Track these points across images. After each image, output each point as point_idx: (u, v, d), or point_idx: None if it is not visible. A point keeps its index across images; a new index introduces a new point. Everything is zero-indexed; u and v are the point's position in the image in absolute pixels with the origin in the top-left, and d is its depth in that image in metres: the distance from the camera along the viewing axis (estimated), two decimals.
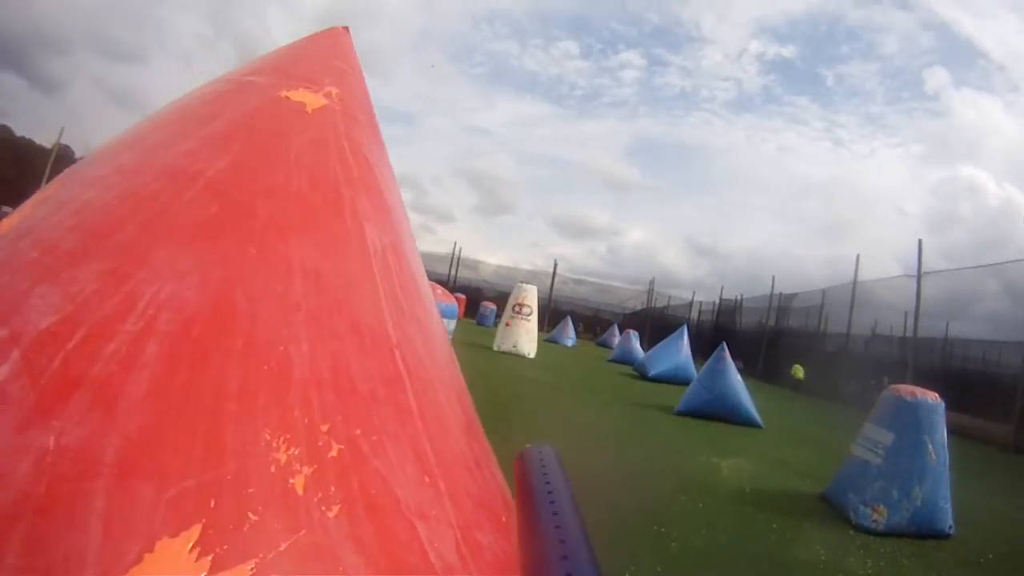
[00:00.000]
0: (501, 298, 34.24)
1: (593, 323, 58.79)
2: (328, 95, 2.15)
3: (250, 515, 1.20)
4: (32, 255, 1.52)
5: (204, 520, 1.15)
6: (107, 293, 1.41)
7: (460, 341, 22.54)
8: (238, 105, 2.05)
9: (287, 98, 2.07)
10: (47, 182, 2.08)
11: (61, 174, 2.00)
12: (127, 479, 1.16)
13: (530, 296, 25.08)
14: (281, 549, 1.19)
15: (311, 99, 2.10)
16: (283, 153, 1.89)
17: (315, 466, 1.34)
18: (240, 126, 1.95)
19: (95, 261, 1.48)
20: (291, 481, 1.29)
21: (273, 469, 1.28)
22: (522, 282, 26.65)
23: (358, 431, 1.47)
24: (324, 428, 1.41)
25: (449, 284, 49.57)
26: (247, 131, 1.93)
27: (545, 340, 33.84)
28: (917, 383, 8.94)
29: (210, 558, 1.11)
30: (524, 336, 24.23)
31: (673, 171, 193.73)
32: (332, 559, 1.24)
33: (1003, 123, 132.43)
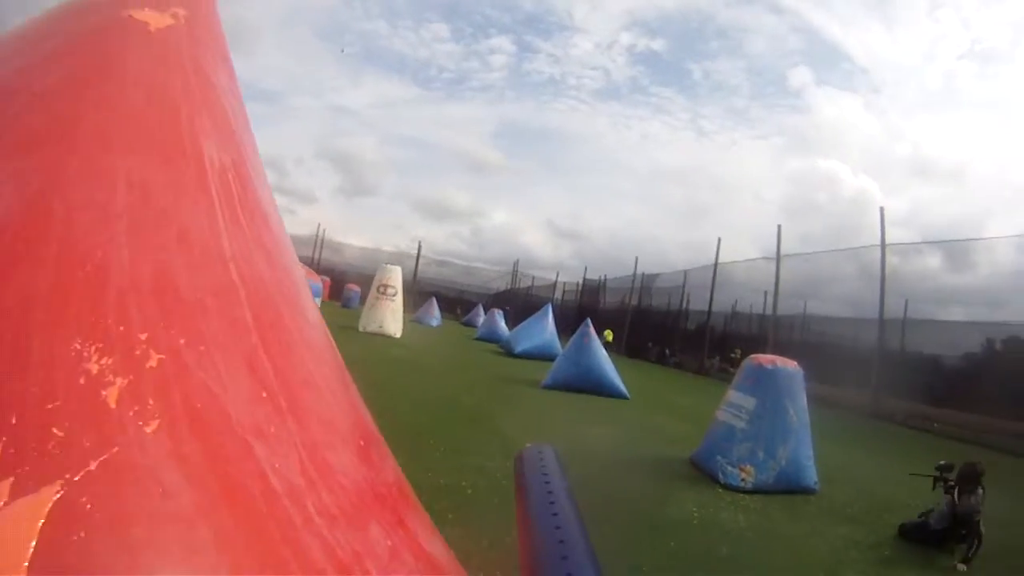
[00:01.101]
0: (366, 280, 34.16)
1: (458, 304, 59.05)
2: (175, 15, 2.02)
3: (55, 431, 1.08)
4: None
5: (3, 439, 1.04)
6: None
7: (325, 322, 22.35)
8: (78, 24, 1.93)
9: (130, 17, 1.94)
10: None
11: None
12: None
13: (394, 277, 25.29)
14: (91, 468, 1.06)
15: (156, 18, 1.97)
16: (119, 69, 1.77)
17: (131, 377, 1.21)
18: (76, 43, 1.84)
19: None
20: (103, 393, 1.16)
21: (83, 380, 1.16)
22: (386, 264, 26.56)
23: (182, 341, 1.35)
24: (143, 337, 1.29)
25: (313, 266, 49.34)
26: (82, 48, 1.83)
27: (411, 321, 34.07)
28: (777, 355, 9.27)
29: (10, 481, 0.99)
30: (389, 316, 24.42)
31: (538, 155, 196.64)
32: (151, 479, 1.12)
33: (862, 120, 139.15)
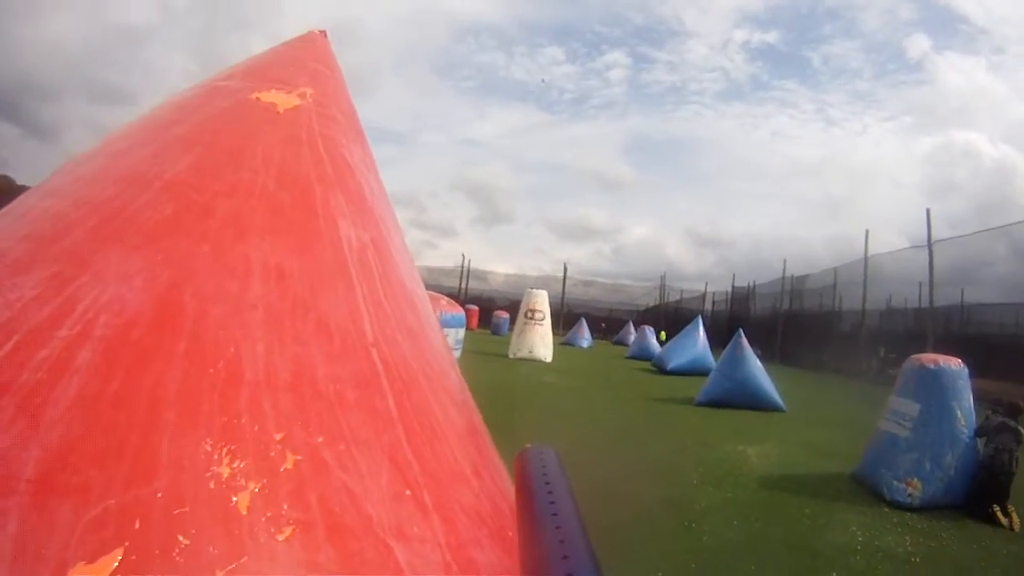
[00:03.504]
0: (513, 307, 34.12)
1: (607, 323, 58.54)
2: (302, 95, 2.05)
3: (181, 539, 1.03)
4: None
5: (127, 544, 1.00)
6: (47, 298, 1.30)
7: (475, 351, 22.59)
8: (205, 109, 1.96)
9: (258, 99, 1.98)
10: None
11: (28, 190, 1.91)
12: (45, 497, 1.02)
13: (541, 301, 25.04)
14: None
15: (283, 99, 2.00)
16: (249, 152, 1.78)
17: (264, 480, 1.16)
18: (204, 129, 1.85)
19: (40, 268, 1.38)
20: (234, 499, 1.11)
21: (213, 485, 1.11)
22: (532, 288, 26.47)
23: (320, 439, 1.28)
24: (278, 437, 1.23)
25: (460, 296, 49.73)
26: (212, 133, 1.84)
27: (561, 343, 33.75)
28: (938, 352, 8.74)
29: None
30: (539, 341, 24.17)
31: (669, 165, 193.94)
32: None
33: (990, 84, 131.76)
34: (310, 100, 2.05)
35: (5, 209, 1.75)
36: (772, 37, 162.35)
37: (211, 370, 1.27)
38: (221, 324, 1.35)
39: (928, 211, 26.27)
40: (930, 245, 26.05)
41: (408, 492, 1.37)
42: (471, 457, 1.70)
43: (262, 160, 1.77)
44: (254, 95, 1.99)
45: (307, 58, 2.31)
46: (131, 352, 1.24)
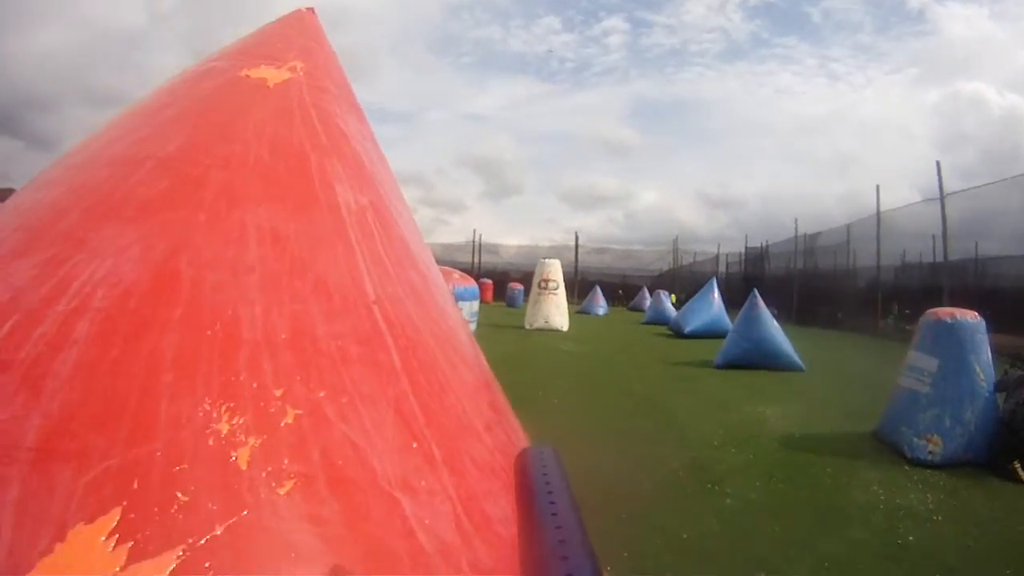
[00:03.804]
0: (527, 278, 34.07)
1: (620, 289, 58.61)
2: (292, 69, 2.09)
3: (179, 495, 1.05)
4: None
5: (124, 503, 1.02)
6: (44, 279, 1.33)
7: (491, 323, 22.72)
8: (195, 90, 2.01)
9: (247, 76, 2.02)
10: None
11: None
12: (45, 462, 1.05)
13: (554, 270, 25.04)
14: (216, 533, 1.03)
15: (273, 74, 2.04)
16: (240, 127, 1.81)
17: (264, 436, 1.18)
18: (194, 108, 1.90)
19: (35, 253, 1.41)
20: (233, 455, 1.13)
21: (212, 442, 1.14)
22: (544, 258, 26.53)
23: (321, 393, 1.30)
24: (278, 393, 1.25)
25: (473, 270, 49.71)
26: (202, 111, 1.88)
27: (577, 312, 33.70)
28: (954, 306, 8.68)
29: (129, 545, 0.97)
30: (554, 310, 24.20)
31: (675, 128, 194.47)
32: (282, 544, 1.08)
33: (993, 31, 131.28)
34: (300, 73, 2.08)
35: (7, 199, 1.79)
36: None
37: (208, 332, 1.29)
38: (218, 288, 1.38)
39: (938, 163, 25.92)
40: (942, 198, 25.79)
41: (415, 444, 1.38)
42: (483, 412, 1.72)
43: (254, 132, 1.79)
44: (243, 72, 2.03)
45: (295, 34, 2.34)
46: (128, 321, 1.27)
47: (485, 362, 2.01)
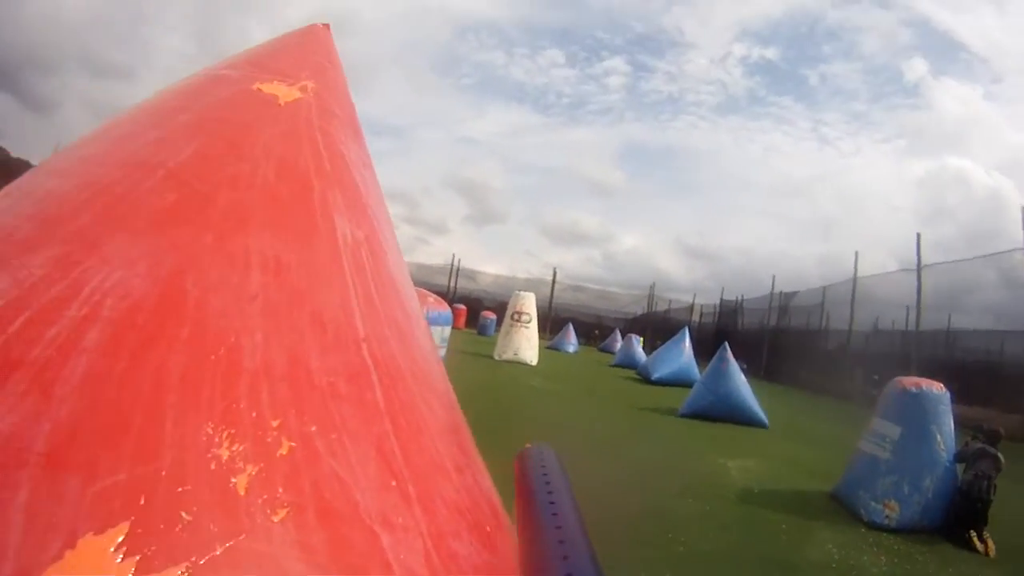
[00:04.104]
0: (501, 308, 34.40)
1: (596, 328, 58.53)
2: (303, 88, 2.10)
3: (183, 515, 1.10)
4: None
5: (133, 518, 1.06)
6: (55, 279, 1.35)
7: (461, 351, 22.69)
8: (208, 97, 2.00)
9: (259, 90, 2.02)
10: None
11: (31, 169, 1.96)
12: (55, 470, 1.08)
13: (528, 303, 25.18)
14: (216, 553, 1.08)
15: (284, 91, 2.04)
16: (250, 143, 1.83)
17: (261, 464, 1.24)
18: (207, 117, 1.91)
19: (47, 248, 1.43)
20: (233, 480, 1.19)
21: (213, 466, 1.18)
22: (520, 291, 26.51)
23: (313, 428, 1.36)
24: (274, 423, 1.31)
25: (448, 295, 50.03)
26: (214, 122, 1.89)
27: (547, 347, 33.98)
28: (922, 376, 8.81)
29: (136, 559, 1.01)
30: (525, 344, 24.32)
31: (663, 175, 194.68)
32: (274, 567, 1.14)
33: (987, 113, 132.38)
34: (311, 94, 2.10)
35: (9, 187, 1.79)
36: (771, 53, 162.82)
37: (212, 357, 1.33)
38: (222, 312, 1.41)
39: (918, 235, 26.66)
40: (919, 269, 26.37)
41: (394, 483, 1.44)
42: (453, 454, 1.77)
43: (262, 151, 1.82)
44: (256, 85, 2.03)
45: (309, 51, 2.35)
46: (136, 335, 1.30)
47: (456, 402, 2.05)
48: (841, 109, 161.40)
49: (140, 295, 1.36)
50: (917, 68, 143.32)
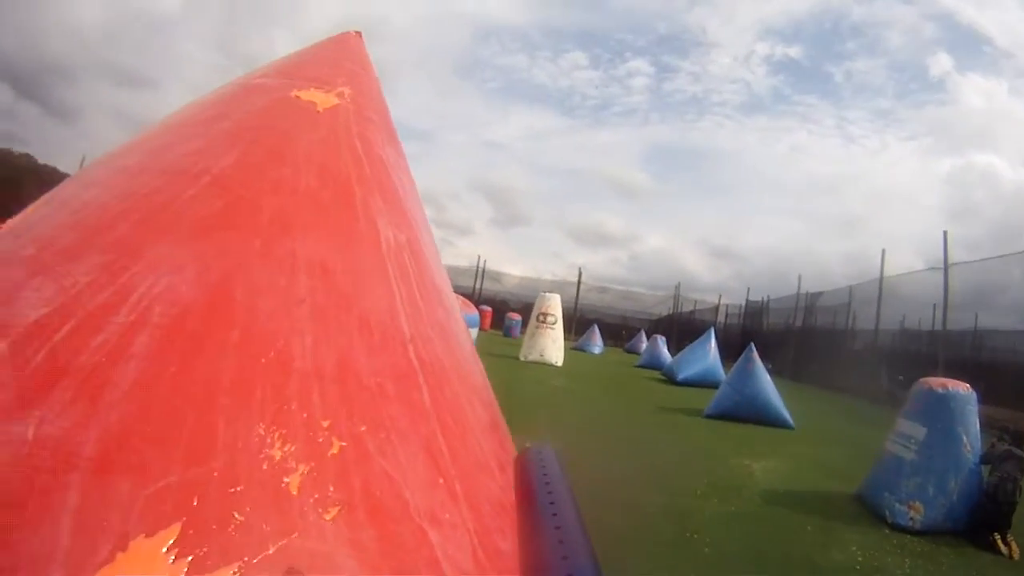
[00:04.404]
0: (526, 309, 34.14)
1: (620, 330, 58.21)
2: (340, 95, 2.15)
3: (236, 515, 1.13)
4: (28, 251, 1.52)
5: (184, 519, 1.09)
6: (101, 286, 1.39)
7: (486, 352, 22.57)
8: (246, 105, 2.06)
9: (297, 98, 2.08)
10: None
11: (68, 178, 2.04)
12: (105, 473, 1.12)
13: (554, 305, 25.02)
14: (269, 552, 1.11)
15: (322, 99, 2.10)
16: (291, 150, 1.88)
17: (312, 464, 1.27)
18: (247, 125, 1.96)
19: (91, 256, 1.47)
20: (285, 480, 1.22)
21: (266, 467, 1.22)
22: (545, 292, 26.43)
23: (363, 428, 1.40)
24: (325, 424, 1.34)
25: (474, 297, 49.76)
26: (255, 130, 1.94)
27: (572, 348, 33.76)
28: (948, 376, 8.76)
29: (188, 559, 1.04)
30: (550, 345, 24.17)
31: (688, 176, 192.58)
32: (327, 565, 1.17)
33: (1013, 107, 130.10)
34: (348, 100, 2.14)
35: (46, 197, 1.85)
36: (795, 51, 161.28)
37: (263, 360, 1.36)
38: (271, 316, 1.45)
39: (945, 233, 26.06)
40: (946, 268, 25.82)
41: (441, 481, 1.48)
42: (495, 451, 1.81)
43: (303, 157, 1.86)
44: (294, 93, 2.08)
45: (343, 58, 2.40)
46: (186, 340, 1.34)
47: (495, 401, 2.10)
48: (866, 107, 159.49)
49: (189, 301, 1.40)
50: (942, 63, 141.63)
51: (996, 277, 26.20)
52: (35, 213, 1.74)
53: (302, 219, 1.70)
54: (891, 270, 31.93)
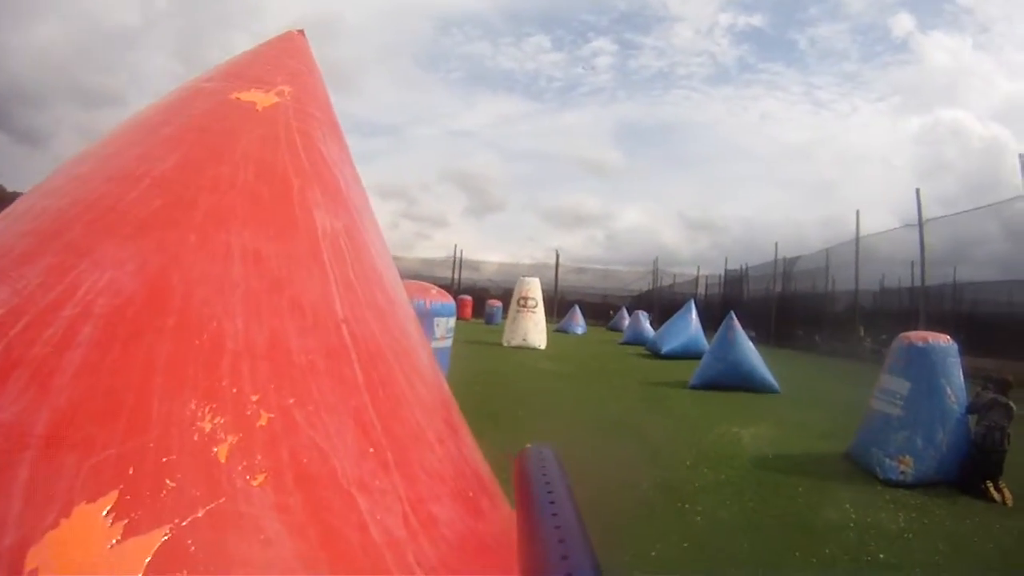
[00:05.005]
0: (506, 295, 34.46)
1: (602, 309, 58.47)
2: (280, 93, 2.25)
3: (168, 482, 1.23)
4: None
5: (121, 487, 1.19)
6: (51, 285, 1.49)
7: (469, 340, 22.79)
8: (188, 110, 2.16)
9: (238, 99, 2.18)
10: None
11: (30, 189, 2.12)
12: (53, 450, 1.22)
13: (533, 288, 25.20)
14: (199, 515, 1.21)
15: (262, 98, 2.20)
16: (229, 149, 1.99)
17: (240, 435, 1.37)
18: (188, 127, 2.06)
19: (43, 259, 1.57)
20: (214, 449, 1.32)
21: (196, 438, 1.32)
22: (524, 276, 26.50)
23: (291, 400, 1.49)
24: (254, 398, 1.44)
25: (453, 287, 50.33)
26: (195, 131, 2.05)
27: (555, 331, 34.02)
28: (930, 330, 8.77)
29: (124, 523, 1.14)
30: (532, 328, 24.35)
31: (659, 151, 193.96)
32: (254, 527, 1.26)
33: (977, 63, 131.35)
34: (288, 98, 2.24)
35: (5, 211, 1.92)
36: (757, 20, 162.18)
37: (196, 342, 1.46)
38: (205, 302, 1.55)
39: (918, 191, 26.48)
40: (920, 224, 26.17)
41: (371, 450, 1.56)
42: (436, 426, 1.88)
43: (242, 156, 1.96)
44: (234, 95, 2.18)
45: (285, 57, 2.50)
46: (126, 328, 1.43)
47: (444, 382, 2.18)
48: (832, 71, 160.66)
49: (130, 292, 1.50)
50: (904, 23, 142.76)
51: (972, 232, 26.58)
52: None
53: (238, 213, 1.80)
54: (867, 231, 32.20)
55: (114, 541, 1.11)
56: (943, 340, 7.82)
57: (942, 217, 26.54)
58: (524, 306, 25.01)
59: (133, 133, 2.11)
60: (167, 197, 1.77)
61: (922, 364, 7.68)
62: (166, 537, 1.14)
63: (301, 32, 2.72)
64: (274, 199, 1.90)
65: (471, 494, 1.78)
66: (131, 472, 1.21)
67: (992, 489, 6.84)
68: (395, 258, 2.54)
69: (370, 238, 2.18)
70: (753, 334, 17.33)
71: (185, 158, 1.91)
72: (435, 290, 12.41)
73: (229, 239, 1.71)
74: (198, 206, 1.76)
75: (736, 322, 15.58)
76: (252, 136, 2.04)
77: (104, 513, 1.14)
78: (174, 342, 1.44)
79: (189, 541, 1.16)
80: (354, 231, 2.07)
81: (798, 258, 40.17)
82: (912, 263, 27.63)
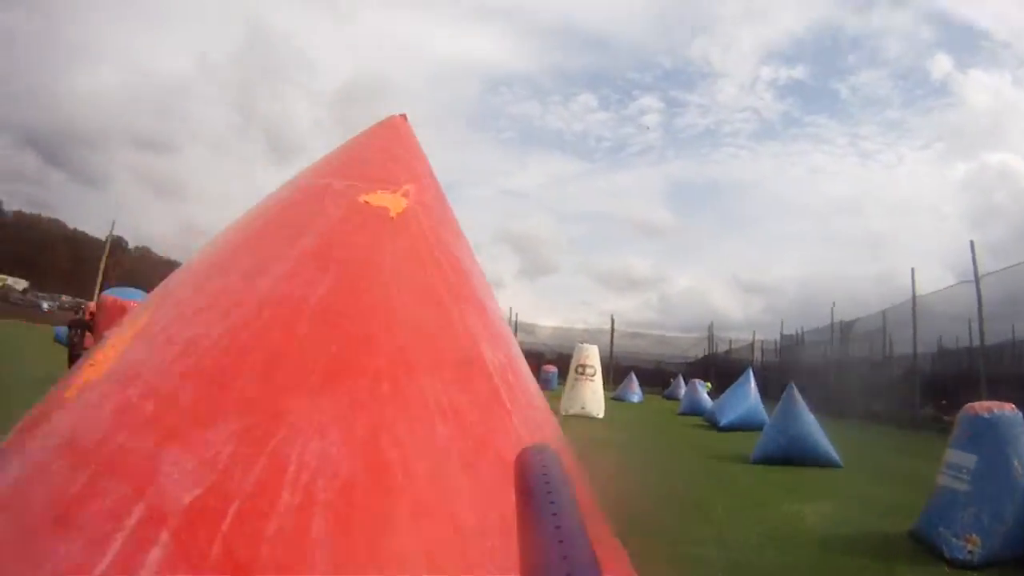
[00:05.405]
0: (561, 360, 34.13)
1: (657, 376, 57.78)
2: (406, 194, 2.11)
3: None
4: (147, 408, 1.44)
5: None
6: (248, 457, 1.34)
7: None
8: (320, 216, 2.00)
9: (367, 203, 2.03)
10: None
11: (148, 298, 1.99)
12: None
13: (592, 356, 25.15)
14: None
15: (391, 201, 2.06)
16: (376, 268, 1.85)
17: None
18: (329, 241, 1.91)
19: (223, 418, 1.41)
20: None
21: None
22: (582, 342, 26.46)
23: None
24: None
25: None
26: (338, 247, 1.90)
27: (611, 398, 33.63)
28: (991, 394, 8.71)
29: None
30: (591, 397, 24.26)
31: (709, 210, 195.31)
32: None
33: (1017, 99, 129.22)
34: (414, 200, 2.11)
35: (132, 326, 1.78)
36: (798, 72, 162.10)
37: (435, 528, 1.40)
38: (430, 478, 1.47)
39: (972, 243, 25.42)
40: (977, 280, 25.34)
41: None
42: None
43: (391, 275, 1.85)
44: (362, 198, 2.04)
45: (396, 148, 2.37)
46: (361, 519, 1.34)
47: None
48: (876, 120, 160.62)
49: (347, 469, 1.39)
50: (942, 64, 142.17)
51: None
52: (131, 349, 1.67)
53: (418, 355, 1.68)
54: (922, 286, 31.48)
55: None
56: (1008, 409, 7.69)
57: (1000, 271, 25.62)
58: (583, 374, 24.65)
59: (266, 241, 1.94)
60: (339, 336, 1.62)
61: (987, 436, 7.54)
62: None
63: (403, 117, 2.54)
64: (442, 332, 1.79)
65: None
66: None
67: None
68: None
69: (519, 359, 2.11)
70: (811, 404, 17.14)
71: (337, 281, 1.76)
72: None
73: (423, 389, 1.60)
74: (377, 347, 1.64)
75: (797, 393, 15.37)
76: (395, 249, 1.91)
77: None
78: (419, 537, 1.36)
79: None
80: (512, 359, 1.99)
81: (855, 321, 39.48)
82: (969, 321, 26.73)
